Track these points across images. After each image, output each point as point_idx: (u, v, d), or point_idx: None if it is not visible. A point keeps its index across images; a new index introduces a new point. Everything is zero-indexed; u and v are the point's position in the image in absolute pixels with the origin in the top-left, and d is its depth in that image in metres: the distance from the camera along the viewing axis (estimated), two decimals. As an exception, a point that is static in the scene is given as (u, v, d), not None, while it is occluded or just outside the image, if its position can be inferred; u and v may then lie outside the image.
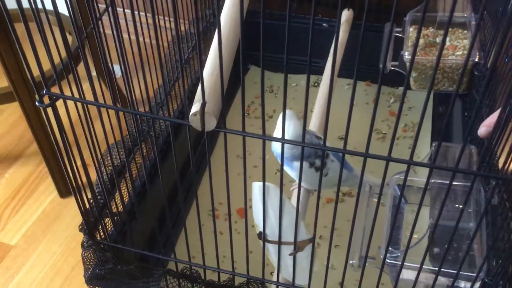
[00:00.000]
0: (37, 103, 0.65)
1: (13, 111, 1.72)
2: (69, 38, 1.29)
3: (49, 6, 0.65)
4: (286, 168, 0.92)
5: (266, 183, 0.69)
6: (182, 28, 1.27)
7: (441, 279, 0.85)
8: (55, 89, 0.72)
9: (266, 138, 0.65)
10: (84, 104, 0.70)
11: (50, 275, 1.30)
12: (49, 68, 0.68)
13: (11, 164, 1.57)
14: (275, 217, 0.74)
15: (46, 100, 0.68)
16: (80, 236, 1.36)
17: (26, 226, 1.41)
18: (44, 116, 0.69)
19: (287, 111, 0.81)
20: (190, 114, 0.63)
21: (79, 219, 1.40)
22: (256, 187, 0.73)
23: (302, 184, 0.92)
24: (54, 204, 1.46)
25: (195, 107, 0.63)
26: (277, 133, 0.89)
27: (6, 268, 1.32)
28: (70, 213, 1.44)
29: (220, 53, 0.59)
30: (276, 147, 0.91)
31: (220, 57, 0.60)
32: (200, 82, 0.62)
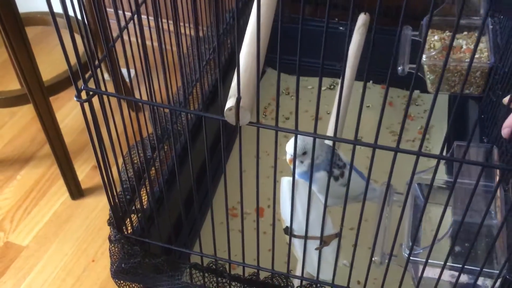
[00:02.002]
0: (75, 98, 0.67)
1: (24, 113, 1.73)
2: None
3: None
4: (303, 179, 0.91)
5: (295, 179, 0.70)
6: (202, 32, 1.29)
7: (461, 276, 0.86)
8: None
9: (298, 132, 0.66)
10: (119, 99, 0.71)
11: (61, 275, 1.31)
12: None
13: (23, 166, 1.58)
14: (302, 212, 0.75)
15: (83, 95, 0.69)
16: (91, 238, 1.40)
17: (37, 227, 1.42)
18: (81, 111, 0.70)
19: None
20: (226, 109, 0.64)
21: (90, 221, 1.44)
22: (285, 181, 0.74)
23: (322, 198, 0.92)
24: (65, 206, 1.47)
25: (230, 102, 0.64)
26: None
27: (18, 268, 1.32)
28: (81, 215, 1.45)
29: (258, 49, 0.61)
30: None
31: (258, 52, 0.62)
32: (236, 77, 0.64)
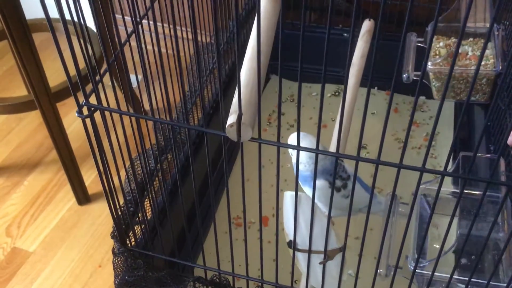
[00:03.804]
0: (76, 114, 0.67)
1: (32, 119, 1.73)
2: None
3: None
4: (306, 189, 0.90)
5: (298, 193, 0.70)
6: (205, 39, 1.29)
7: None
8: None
9: (301, 148, 0.66)
10: (121, 115, 0.71)
11: (68, 281, 1.31)
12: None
13: (30, 171, 1.58)
14: (305, 226, 0.75)
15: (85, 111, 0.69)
16: (98, 243, 1.40)
17: (44, 233, 1.42)
18: (83, 126, 0.70)
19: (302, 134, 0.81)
20: (227, 125, 0.64)
21: (96, 226, 1.44)
22: (288, 196, 0.74)
23: (322, 207, 0.92)
24: (72, 212, 1.47)
25: (232, 118, 0.64)
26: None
27: (25, 274, 1.33)
28: (88, 221, 1.45)
29: (258, 65, 0.61)
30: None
31: (259, 69, 0.61)
32: (236, 93, 0.63)
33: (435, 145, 1.43)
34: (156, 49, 0.63)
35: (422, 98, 1.57)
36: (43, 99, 1.29)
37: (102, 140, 0.74)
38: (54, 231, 1.42)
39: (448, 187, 0.95)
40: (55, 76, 1.49)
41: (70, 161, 1.41)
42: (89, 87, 0.73)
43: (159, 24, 0.65)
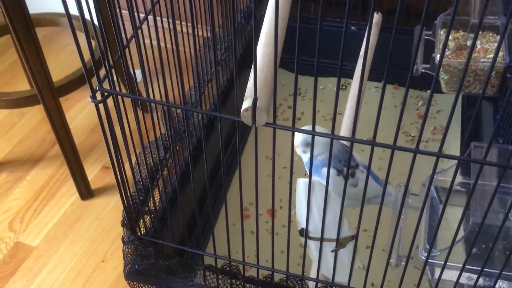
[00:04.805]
0: (90, 99, 0.66)
1: (34, 114, 1.73)
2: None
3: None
4: (315, 177, 0.89)
5: (312, 179, 0.70)
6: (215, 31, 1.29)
7: (474, 277, 0.85)
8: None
9: (315, 133, 0.66)
10: (133, 100, 0.71)
11: (71, 276, 1.31)
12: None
13: (33, 166, 1.58)
14: (318, 214, 0.74)
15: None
16: (101, 238, 1.40)
17: (47, 228, 1.42)
18: (96, 112, 0.70)
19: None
20: (242, 110, 0.64)
21: (99, 221, 1.44)
22: (301, 183, 0.74)
23: (333, 193, 0.92)
24: (75, 206, 1.47)
25: (247, 103, 0.64)
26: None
27: (28, 269, 1.33)
28: (91, 215, 1.45)
29: (275, 49, 0.61)
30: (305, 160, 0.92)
31: (276, 53, 0.61)
32: (253, 77, 0.63)
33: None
34: (173, 34, 0.63)
35: (429, 91, 1.56)
36: (46, 94, 1.29)
37: (114, 127, 0.74)
38: (57, 226, 1.42)
39: (457, 178, 0.94)
40: (58, 71, 1.48)
41: (73, 156, 1.41)
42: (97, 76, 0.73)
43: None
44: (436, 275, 0.88)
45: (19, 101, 1.45)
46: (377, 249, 0.78)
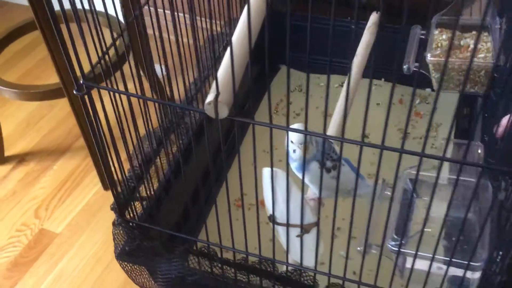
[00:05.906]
0: (74, 92, 0.73)
1: (62, 106, 1.79)
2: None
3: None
4: (297, 173, 0.92)
5: (274, 169, 0.75)
6: (218, 29, 1.34)
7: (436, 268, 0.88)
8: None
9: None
10: (117, 94, 0.78)
11: (91, 263, 1.36)
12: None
13: (59, 157, 1.64)
14: (283, 201, 0.79)
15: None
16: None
17: (71, 216, 1.47)
18: (81, 104, 0.77)
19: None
20: (205, 103, 0.70)
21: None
22: (266, 172, 0.79)
23: (314, 188, 0.96)
24: (97, 196, 1.52)
25: (210, 97, 0.70)
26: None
27: (51, 254, 1.39)
28: (112, 205, 1.51)
29: (250, 47, 0.66)
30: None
31: (250, 49, 0.66)
32: (215, 76, 0.69)
33: (436, 135, 1.44)
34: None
35: (428, 90, 1.58)
36: (71, 88, 1.32)
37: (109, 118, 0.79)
38: (80, 214, 1.47)
39: (433, 173, 0.97)
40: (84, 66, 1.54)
41: (100, 148, 1.45)
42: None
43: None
44: (407, 264, 0.91)
45: (47, 94, 1.51)
46: (355, 239, 0.81)
